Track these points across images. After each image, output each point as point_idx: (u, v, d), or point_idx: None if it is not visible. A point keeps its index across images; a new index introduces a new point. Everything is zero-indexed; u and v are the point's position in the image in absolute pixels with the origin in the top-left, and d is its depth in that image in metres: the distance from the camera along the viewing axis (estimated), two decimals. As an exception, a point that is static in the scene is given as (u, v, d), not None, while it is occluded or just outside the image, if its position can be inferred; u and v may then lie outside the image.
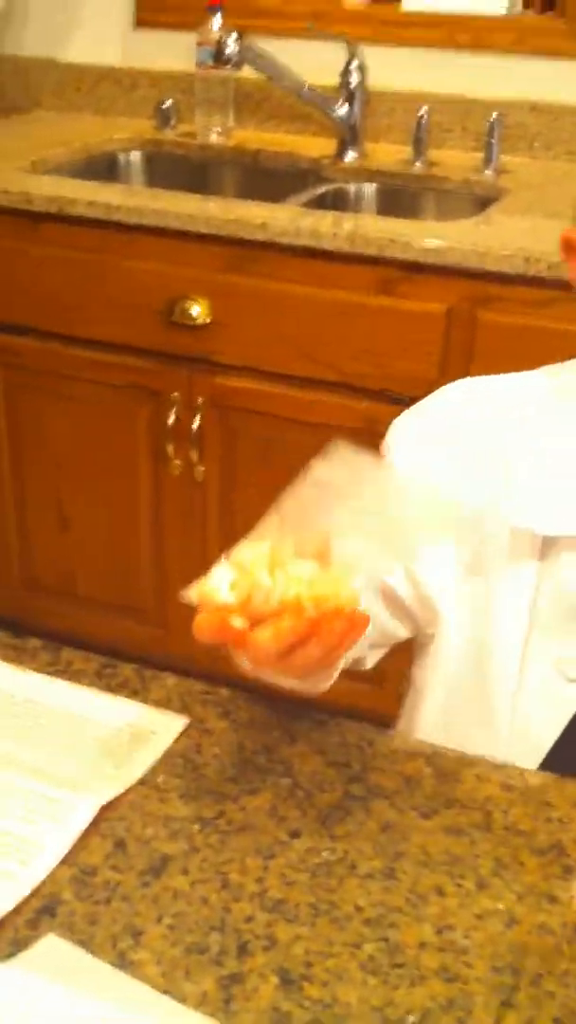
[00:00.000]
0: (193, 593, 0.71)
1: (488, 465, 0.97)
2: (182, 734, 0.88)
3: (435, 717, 1.03)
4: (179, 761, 0.85)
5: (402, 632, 1.05)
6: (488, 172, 2.33)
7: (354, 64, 2.43)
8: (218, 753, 0.87)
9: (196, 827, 0.80)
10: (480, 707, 0.99)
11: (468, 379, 1.07)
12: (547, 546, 0.95)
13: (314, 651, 0.71)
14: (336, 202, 2.40)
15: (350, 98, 2.44)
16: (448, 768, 0.85)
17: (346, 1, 2.61)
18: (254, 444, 2.10)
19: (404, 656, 1.10)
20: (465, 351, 1.88)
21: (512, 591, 0.96)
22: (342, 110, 2.45)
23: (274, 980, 0.68)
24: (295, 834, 0.79)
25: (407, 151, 2.42)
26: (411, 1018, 0.66)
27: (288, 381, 2.05)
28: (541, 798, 0.82)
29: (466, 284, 1.87)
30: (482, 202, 2.23)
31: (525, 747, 0.96)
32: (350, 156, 2.45)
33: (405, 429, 1.03)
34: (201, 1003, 0.67)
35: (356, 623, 0.72)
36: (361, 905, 0.74)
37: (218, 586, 0.70)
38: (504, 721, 0.98)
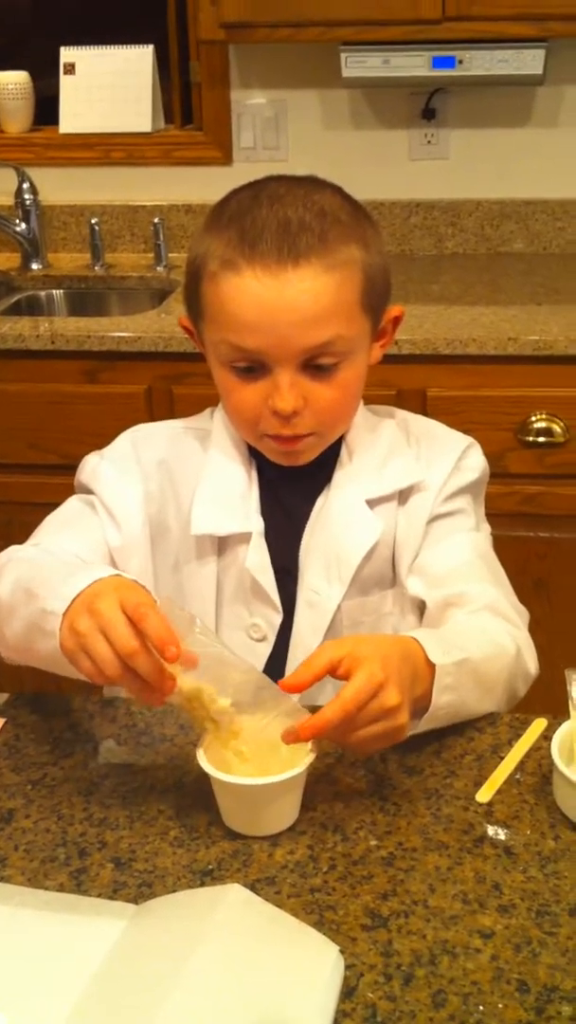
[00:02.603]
0: None
1: (166, 490, 1.28)
2: (1, 730, 1.13)
3: None
4: (3, 748, 1.11)
5: None
6: (160, 268, 2.68)
7: (25, 185, 2.73)
8: (34, 737, 1.12)
9: (28, 787, 1.05)
10: None
11: (132, 428, 1.35)
12: (222, 543, 1.27)
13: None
14: (30, 309, 2.68)
15: (26, 215, 2.74)
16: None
17: (8, 129, 2.91)
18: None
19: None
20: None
21: (202, 580, 1.27)
22: (20, 227, 2.74)
23: (110, 866, 0.95)
24: (105, 776, 1.06)
25: (86, 257, 2.75)
26: (210, 867, 0.94)
27: (15, 469, 2.30)
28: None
29: (159, 366, 2.20)
30: (159, 295, 2.58)
31: None
32: (35, 266, 2.74)
33: (98, 469, 1.29)
34: (60, 891, 0.92)
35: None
36: (162, 808, 1.01)
37: None
38: None
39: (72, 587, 1.00)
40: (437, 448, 1.31)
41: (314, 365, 1.16)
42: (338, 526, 1.26)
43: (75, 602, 0.99)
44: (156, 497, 1.28)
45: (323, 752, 1.04)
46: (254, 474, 1.28)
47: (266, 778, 0.95)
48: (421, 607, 1.27)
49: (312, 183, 1.20)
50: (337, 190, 1.21)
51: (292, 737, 0.95)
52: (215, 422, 1.31)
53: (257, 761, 0.98)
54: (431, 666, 1.04)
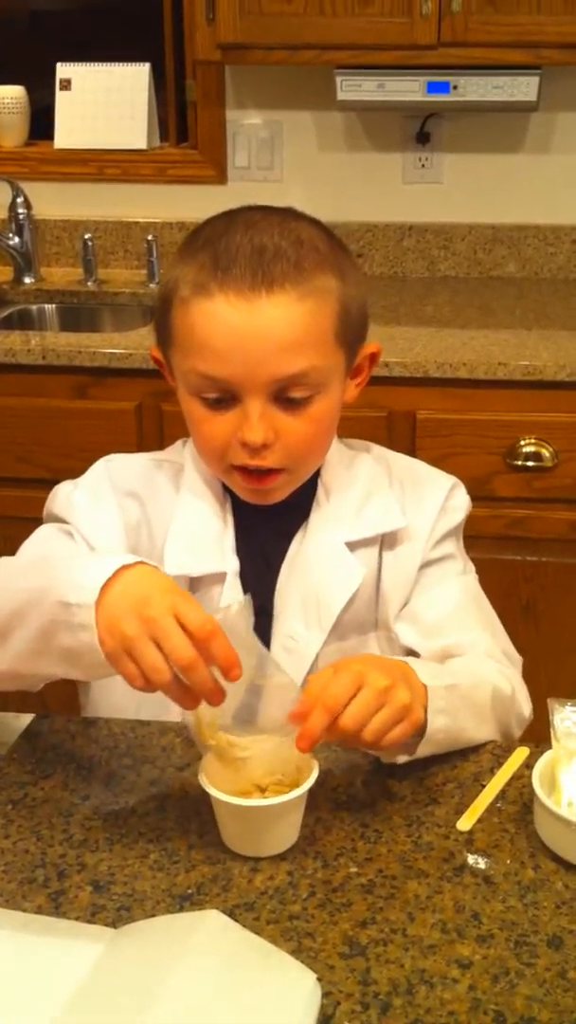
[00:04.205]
0: None
1: (141, 524, 1.25)
2: (-17, 748, 1.13)
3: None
4: (-15, 767, 1.11)
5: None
6: (152, 285, 2.69)
7: (19, 199, 2.74)
8: (15, 756, 1.12)
9: (8, 806, 1.05)
10: (162, 707, 1.10)
11: (105, 458, 1.30)
12: (195, 583, 1.22)
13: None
14: (22, 322, 2.69)
15: (19, 229, 2.74)
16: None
17: (3, 142, 2.92)
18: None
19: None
20: (157, 438, 2.20)
21: None
22: (14, 240, 2.74)
23: (89, 888, 0.95)
24: (86, 797, 1.06)
25: (79, 272, 2.75)
26: (190, 891, 0.94)
27: (4, 483, 2.30)
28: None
29: (149, 383, 2.20)
30: (151, 312, 2.58)
31: None
32: (28, 280, 2.75)
33: (73, 497, 1.24)
34: (38, 912, 0.92)
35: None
36: (143, 831, 1.01)
37: None
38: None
39: (93, 577, 0.94)
40: (422, 491, 1.29)
41: (286, 398, 1.12)
42: (317, 570, 1.24)
43: (109, 598, 0.93)
44: (133, 529, 1.25)
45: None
46: (229, 512, 1.24)
47: (268, 799, 0.95)
48: (410, 654, 1.24)
49: (289, 213, 1.18)
50: (314, 222, 1.18)
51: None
52: (187, 457, 1.27)
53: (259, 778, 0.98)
54: (425, 688, 1.04)
